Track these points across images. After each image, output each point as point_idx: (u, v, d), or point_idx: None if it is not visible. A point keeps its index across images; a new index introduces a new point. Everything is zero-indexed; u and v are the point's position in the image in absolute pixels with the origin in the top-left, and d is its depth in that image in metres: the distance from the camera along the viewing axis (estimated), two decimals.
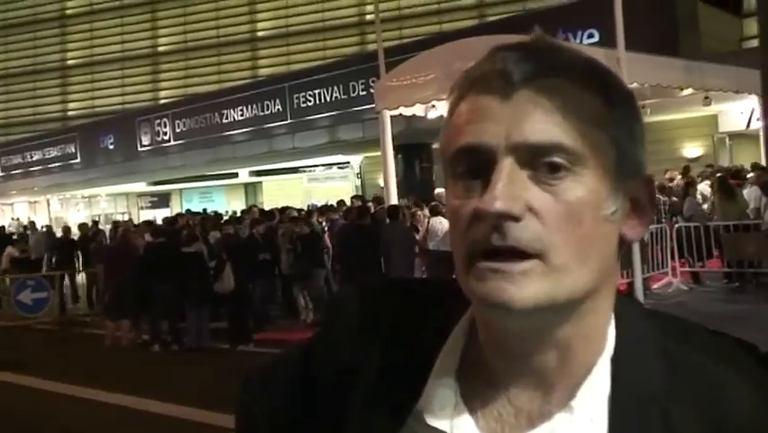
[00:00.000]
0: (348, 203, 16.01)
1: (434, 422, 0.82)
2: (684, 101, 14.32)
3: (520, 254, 0.74)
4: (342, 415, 0.88)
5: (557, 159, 0.74)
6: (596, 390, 0.78)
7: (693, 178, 14.43)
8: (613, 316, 0.82)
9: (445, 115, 0.85)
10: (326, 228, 13.98)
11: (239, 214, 17.00)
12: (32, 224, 24.25)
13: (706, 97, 13.84)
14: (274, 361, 1.07)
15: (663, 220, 12.63)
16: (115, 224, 18.89)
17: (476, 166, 0.76)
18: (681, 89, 12.62)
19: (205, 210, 24.09)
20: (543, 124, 0.74)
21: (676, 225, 12.43)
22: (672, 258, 12.15)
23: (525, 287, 0.73)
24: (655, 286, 11.82)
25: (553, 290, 0.74)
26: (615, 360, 0.79)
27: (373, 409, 0.86)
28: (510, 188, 0.73)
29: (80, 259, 17.33)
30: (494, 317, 0.78)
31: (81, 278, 17.26)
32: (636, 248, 10.61)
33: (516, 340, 0.79)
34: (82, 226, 18.61)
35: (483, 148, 0.75)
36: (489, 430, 0.81)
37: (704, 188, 14.08)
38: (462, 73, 0.81)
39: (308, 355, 0.98)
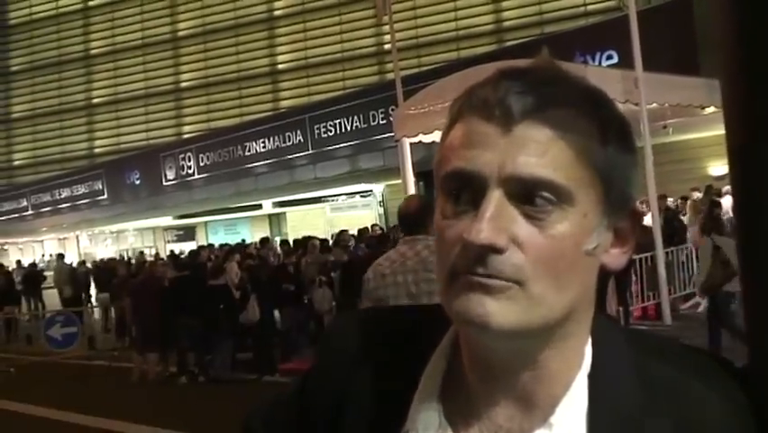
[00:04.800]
0: (370, 230, 16.04)
1: None
2: (708, 119, 14.21)
3: (500, 279, 0.76)
4: None
5: (546, 194, 0.76)
6: (574, 407, 0.81)
7: (717, 199, 14.29)
8: (590, 336, 0.84)
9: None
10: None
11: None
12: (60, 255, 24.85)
13: None
14: (274, 399, 1.09)
15: (689, 240, 12.50)
16: (140, 258, 19.17)
17: (466, 190, 0.78)
18: (703, 108, 12.55)
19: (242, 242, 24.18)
20: (536, 159, 0.75)
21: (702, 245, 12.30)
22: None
23: (504, 307, 0.75)
24: (683, 307, 11.69)
25: (528, 316, 0.76)
26: (592, 378, 0.82)
27: None
28: (497, 220, 0.75)
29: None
30: (473, 335, 0.81)
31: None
32: (662, 270, 10.54)
33: (498, 360, 0.81)
34: (111, 261, 18.86)
35: (475, 175, 0.77)
36: None
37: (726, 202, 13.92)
38: (465, 91, 0.83)
39: (303, 390, 1.01)
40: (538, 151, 0.76)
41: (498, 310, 0.75)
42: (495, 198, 0.76)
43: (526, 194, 0.76)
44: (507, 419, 0.83)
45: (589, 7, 30.96)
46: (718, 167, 20.46)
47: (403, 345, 0.92)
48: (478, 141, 0.78)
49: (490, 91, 0.79)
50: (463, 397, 0.85)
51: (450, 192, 0.80)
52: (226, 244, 20.11)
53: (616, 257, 0.82)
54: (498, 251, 0.75)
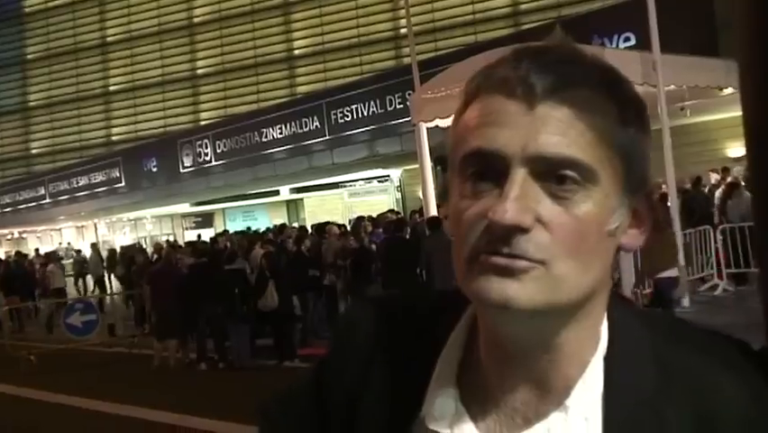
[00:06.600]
0: (387, 216, 16.03)
1: (435, 426, 0.85)
2: (726, 101, 14.08)
3: (524, 259, 0.75)
4: (353, 431, 0.92)
5: (570, 173, 0.75)
6: (590, 390, 0.81)
7: (737, 179, 14.18)
8: (606, 317, 0.84)
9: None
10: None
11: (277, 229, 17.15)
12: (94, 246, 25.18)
13: None
14: (289, 388, 1.09)
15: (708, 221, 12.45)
16: (158, 246, 19.27)
17: (487, 170, 0.77)
18: (721, 89, 12.42)
19: (248, 228, 24.35)
20: (560, 138, 0.75)
21: (720, 227, 12.24)
22: (717, 260, 11.96)
23: (527, 287, 0.75)
24: (702, 288, 11.64)
25: (552, 297, 0.76)
26: (608, 360, 0.81)
27: (378, 420, 0.90)
28: (523, 200, 0.75)
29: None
30: (493, 317, 0.80)
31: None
32: (680, 251, 10.47)
33: (515, 342, 0.81)
34: (128, 248, 18.97)
35: (498, 154, 0.76)
36: (488, 431, 0.84)
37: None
38: (480, 71, 0.82)
39: (318, 378, 1.01)
40: (561, 130, 0.75)
41: (521, 291, 0.75)
42: (520, 178, 0.75)
43: (551, 173, 0.76)
44: (523, 401, 0.83)
45: None
46: (736, 149, 20.25)
47: (418, 330, 0.92)
48: (498, 120, 0.77)
49: (510, 70, 0.78)
50: (479, 382, 0.86)
51: (469, 173, 0.79)
52: (242, 231, 20.18)
53: (633, 237, 0.82)
54: (523, 231, 0.75)
